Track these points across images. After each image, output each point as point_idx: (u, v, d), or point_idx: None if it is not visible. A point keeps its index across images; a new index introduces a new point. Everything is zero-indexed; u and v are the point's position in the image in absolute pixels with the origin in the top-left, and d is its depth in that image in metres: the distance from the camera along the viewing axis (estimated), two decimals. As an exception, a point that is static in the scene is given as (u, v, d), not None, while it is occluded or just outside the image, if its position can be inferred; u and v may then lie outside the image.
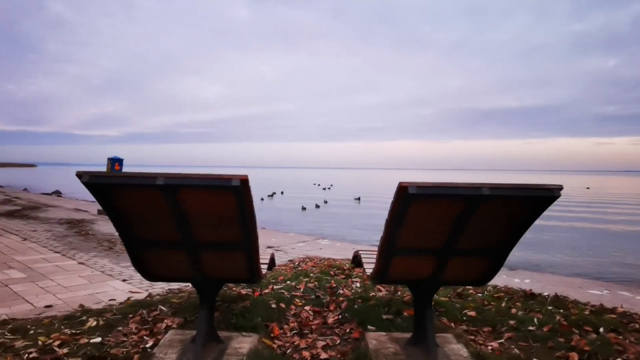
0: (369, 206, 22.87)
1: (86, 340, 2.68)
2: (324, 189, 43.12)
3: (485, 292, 4.08)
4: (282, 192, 33.97)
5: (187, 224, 2.05)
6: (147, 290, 4.16)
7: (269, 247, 7.09)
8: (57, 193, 25.86)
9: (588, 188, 51.31)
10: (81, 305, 3.54)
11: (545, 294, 4.17)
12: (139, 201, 1.94)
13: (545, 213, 1.98)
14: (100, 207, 12.25)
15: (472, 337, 3.03)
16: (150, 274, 2.42)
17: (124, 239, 2.17)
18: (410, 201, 1.83)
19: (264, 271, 2.83)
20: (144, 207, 1.98)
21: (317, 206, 23.05)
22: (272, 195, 30.40)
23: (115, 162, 11.97)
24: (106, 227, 8.84)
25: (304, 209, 21.22)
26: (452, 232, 2.06)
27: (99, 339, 2.71)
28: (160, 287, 4.25)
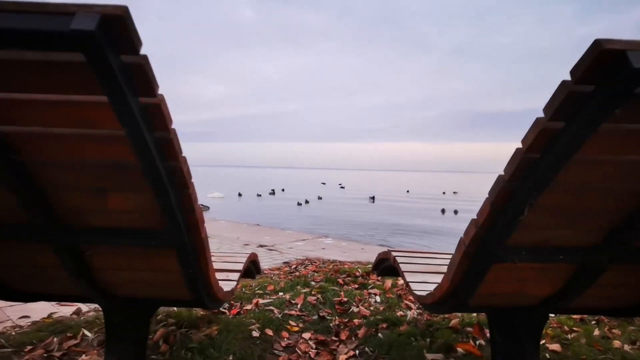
0: (383, 205, 21.57)
1: None
2: (341, 187, 41.72)
3: (559, 312, 2.89)
4: (282, 190, 32.81)
5: (24, 178, 0.87)
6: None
7: (261, 245, 5.92)
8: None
9: None
10: (-32, 328, 2.35)
11: None
12: None
13: None
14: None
15: (573, 392, 1.86)
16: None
17: None
18: (618, 101, 0.64)
19: (230, 286, 1.64)
20: None
21: (307, 202, 21.89)
22: (272, 192, 29.26)
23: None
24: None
25: (299, 204, 20.15)
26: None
27: None
28: (104, 298, 3.07)
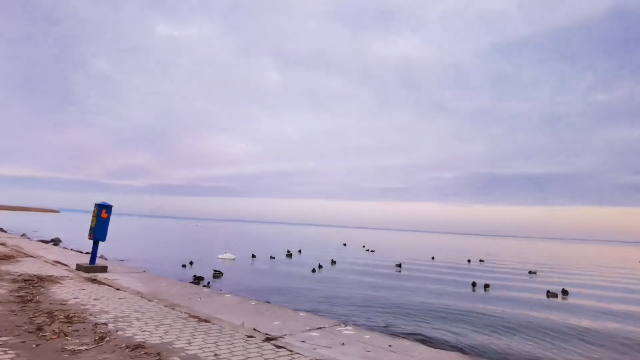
0: (409, 275, 19.88)
1: None
2: (371, 250, 39.03)
3: None
4: (299, 251, 31.52)
5: None
6: None
7: (268, 338, 4.93)
8: (55, 241, 24.23)
9: None
10: None
11: None
12: None
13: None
14: (80, 262, 10.39)
15: None
16: None
17: None
18: None
19: None
20: None
21: (320, 267, 20.63)
22: (289, 255, 27.87)
23: (103, 208, 10.19)
24: (67, 291, 6.86)
25: (313, 270, 19.01)
26: None
27: None
28: None
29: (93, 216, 10.21)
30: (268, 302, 8.18)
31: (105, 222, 10.24)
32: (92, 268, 9.95)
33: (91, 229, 10.17)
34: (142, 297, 6.93)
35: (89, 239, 10.17)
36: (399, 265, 23.13)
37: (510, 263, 32.09)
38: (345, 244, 50.33)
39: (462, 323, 9.46)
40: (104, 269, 10.19)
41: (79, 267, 10.01)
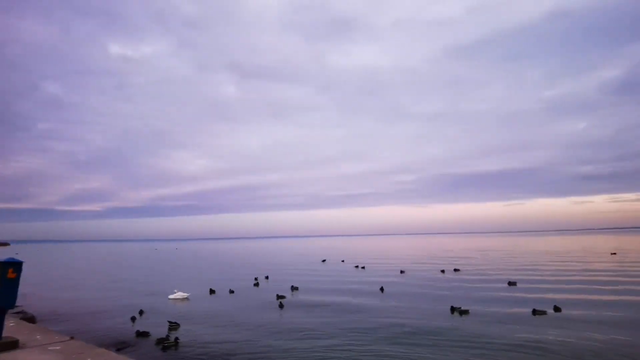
0: (391, 300, 17.71)
1: None
2: (360, 267, 35.54)
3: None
4: (266, 278, 29.17)
5: None
6: None
7: None
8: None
9: (614, 254, 45.52)
10: None
11: None
12: None
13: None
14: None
15: None
16: None
17: None
18: None
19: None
20: None
21: (283, 300, 18.34)
22: (256, 284, 24.58)
23: (9, 267, 8.02)
24: None
25: (281, 306, 16.89)
26: None
27: None
28: None
29: (-3, 277, 8.02)
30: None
31: (14, 283, 8.05)
32: (-3, 346, 7.73)
33: (-6, 294, 7.97)
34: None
35: (-8, 306, 7.97)
36: (382, 289, 20.91)
37: (485, 271, 30.66)
38: (324, 260, 47.01)
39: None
40: (13, 345, 7.95)
41: (-21, 348, 7.76)
